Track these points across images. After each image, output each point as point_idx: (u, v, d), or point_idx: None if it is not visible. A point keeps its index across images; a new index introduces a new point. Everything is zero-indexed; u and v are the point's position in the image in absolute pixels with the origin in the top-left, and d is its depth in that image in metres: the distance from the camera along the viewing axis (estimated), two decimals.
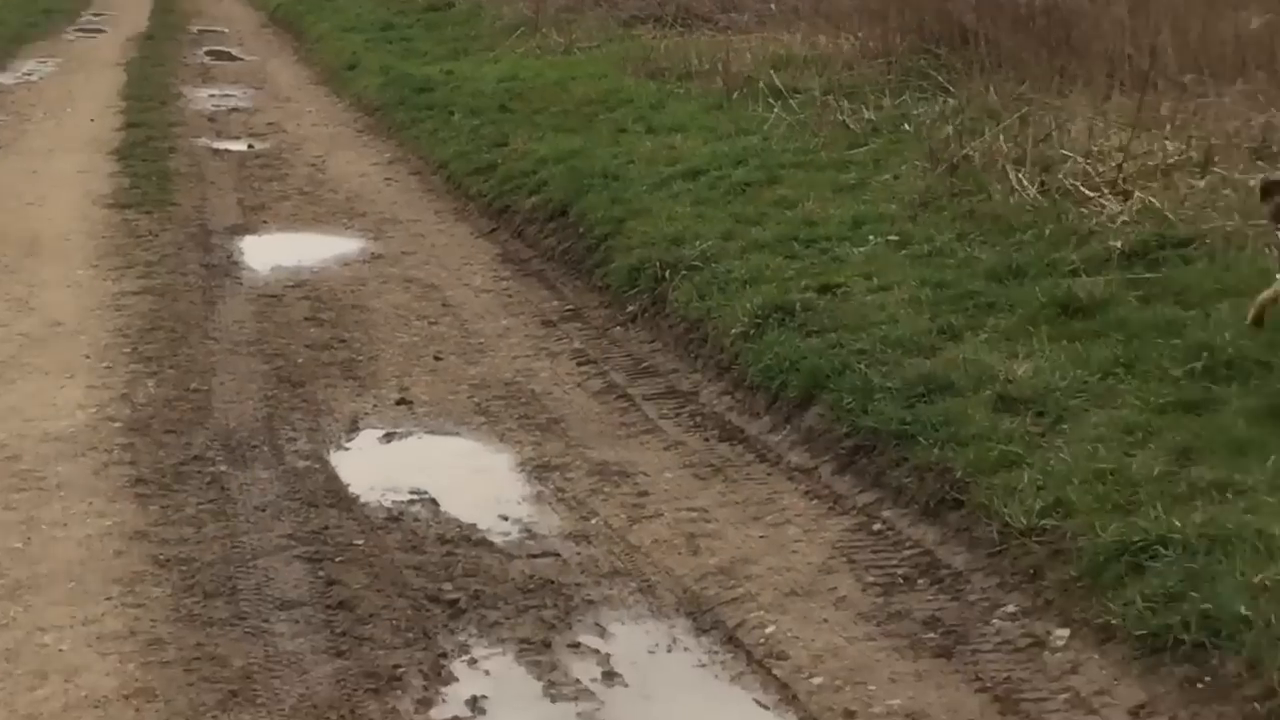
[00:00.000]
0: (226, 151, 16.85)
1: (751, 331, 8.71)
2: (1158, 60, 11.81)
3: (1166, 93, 11.57)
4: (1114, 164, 10.23)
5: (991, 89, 13.31)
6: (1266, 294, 7.40)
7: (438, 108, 17.51)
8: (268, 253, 12.34)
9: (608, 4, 24.47)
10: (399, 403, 8.88)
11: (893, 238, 9.84)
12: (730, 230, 10.42)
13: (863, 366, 7.79)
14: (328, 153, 16.64)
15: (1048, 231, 9.48)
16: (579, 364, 9.50)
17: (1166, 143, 10.72)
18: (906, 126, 12.90)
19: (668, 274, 9.93)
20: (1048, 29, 14.19)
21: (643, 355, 9.52)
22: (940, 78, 14.39)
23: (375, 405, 8.84)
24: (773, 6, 23.11)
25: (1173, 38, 12.30)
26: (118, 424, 8.41)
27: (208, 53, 27.41)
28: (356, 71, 22.04)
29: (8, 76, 23.99)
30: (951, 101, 13.56)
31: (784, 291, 9.04)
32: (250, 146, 17.19)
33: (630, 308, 10.07)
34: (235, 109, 20.03)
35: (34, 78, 23.79)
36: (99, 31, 31.96)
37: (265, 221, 13.46)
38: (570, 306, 10.65)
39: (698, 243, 10.18)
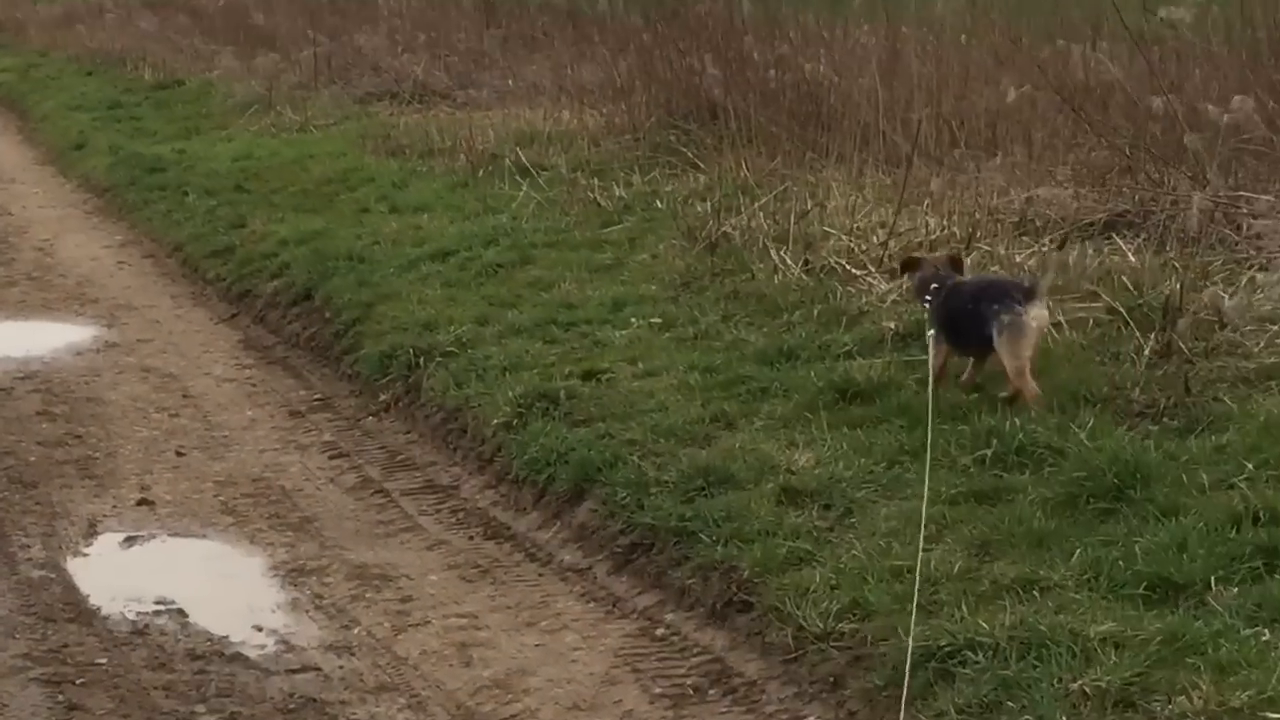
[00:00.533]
0: None
1: (514, 422, 8.33)
2: (912, 134, 11.65)
3: (924, 167, 11.39)
4: (878, 241, 10.00)
5: (744, 164, 13.07)
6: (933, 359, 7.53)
7: (170, 188, 16.90)
8: None
9: (342, 81, 23.96)
10: (140, 503, 8.37)
11: (655, 320, 9.52)
12: (485, 314, 10.03)
13: (635, 458, 7.44)
14: (56, 236, 15.96)
15: (816, 312, 9.23)
16: (330, 457, 9.04)
17: (928, 219, 10.52)
18: (659, 204, 12.63)
19: (421, 361, 9.54)
20: (797, 102, 14.00)
21: (398, 447, 9.09)
22: (689, 153, 14.15)
23: (115, 506, 8.31)
24: (510, 83, 22.83)
25: (926, 111, 12.14)
26: None
27: None
28: (84, 151, 21.30)
29: None
30: (703, 178, 13.31)
31: (546, 379, 8.68)
32: None
33: (382, 397, 9.64)
34: None
35: None
36: None
37: None
38: (319, 396, 10.18)
39: (451, 328, 9.79)
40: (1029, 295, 7.44)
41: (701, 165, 13.75)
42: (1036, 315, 7.45)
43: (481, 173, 14.74)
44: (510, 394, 8.48)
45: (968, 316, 7.57)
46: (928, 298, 7.81)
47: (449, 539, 7.71)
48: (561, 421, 8.16)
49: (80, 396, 10.24)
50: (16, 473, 8.72)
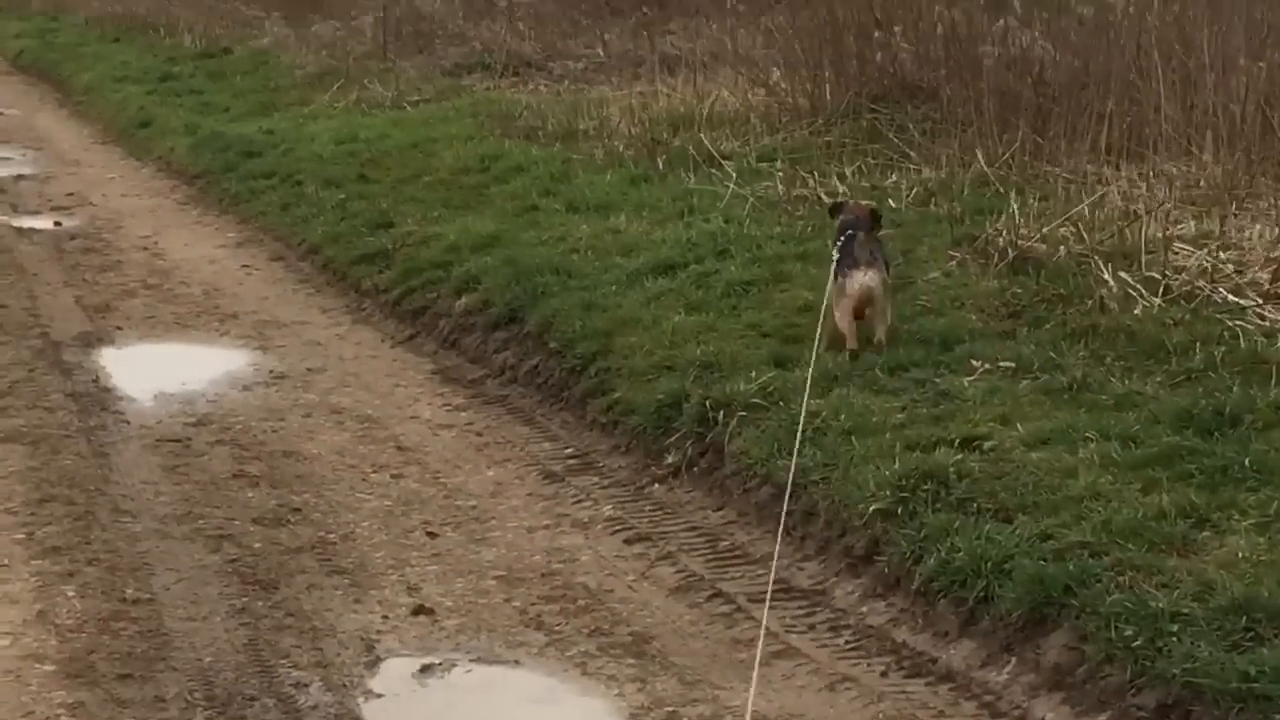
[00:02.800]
0: (33, 231, 14.25)
1: (896, 509, 6.47)
2: (1210, 119, 9.83)
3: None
4: (1260, 258, 8.18)
5: (978, 155, 11.29)
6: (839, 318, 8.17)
7: (277, 176, 15.06)
8: (141, 372, 9.93)
9: (423, 51, 22.07)
10: (416, 611, 6.53)
11: (1006, 364, 7.66)
12: (777, 353, 8.20)
13: (1110, 573, 5.60)
14: (156, 233, 14.12)
15: (1220, 355, 7.42)
16: (626, 540, 7.25)
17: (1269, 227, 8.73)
18: (891, 203, 10.78)
19: (720, 415, 7.64)
20: (1019, 82, 12.16)
21: (711, 528, 7.29)
22: (895, 140, 12.34)
23: (386, 617, 6.51)
24: (601, 52, 21.01)
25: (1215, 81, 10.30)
26: (48, 666, 5.92)
27: None
28: (152, 130, 19.42)
29: None
30: (929, 172, 11.52)
31: (912, 447, 6.86)
32: (58, 224, 14.60)
33: (669, 459, 7.80)
34: (21, 175, 17.36)
35: None
36: None
37: (119, 327, 10.99)
38: (571, 452, 8.40)
39: (749, 372, 7.92)
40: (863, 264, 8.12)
41: (912, 155, 11.96)
42: (862, 280, 8.11)
43: (661, 163, 12.84)
44: (886, 473, 6.63)
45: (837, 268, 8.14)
46: (836, 242, 8.35)
47: (853, 674, 5.90)
48: (958, 510, 6.36)
49: (274, 450, 8.45)
50: (246, 567, 6.91)
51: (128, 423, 8.90)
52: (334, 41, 23.98)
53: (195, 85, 22.47)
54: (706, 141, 12.89)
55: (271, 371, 9.95)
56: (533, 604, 6.66)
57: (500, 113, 16.61)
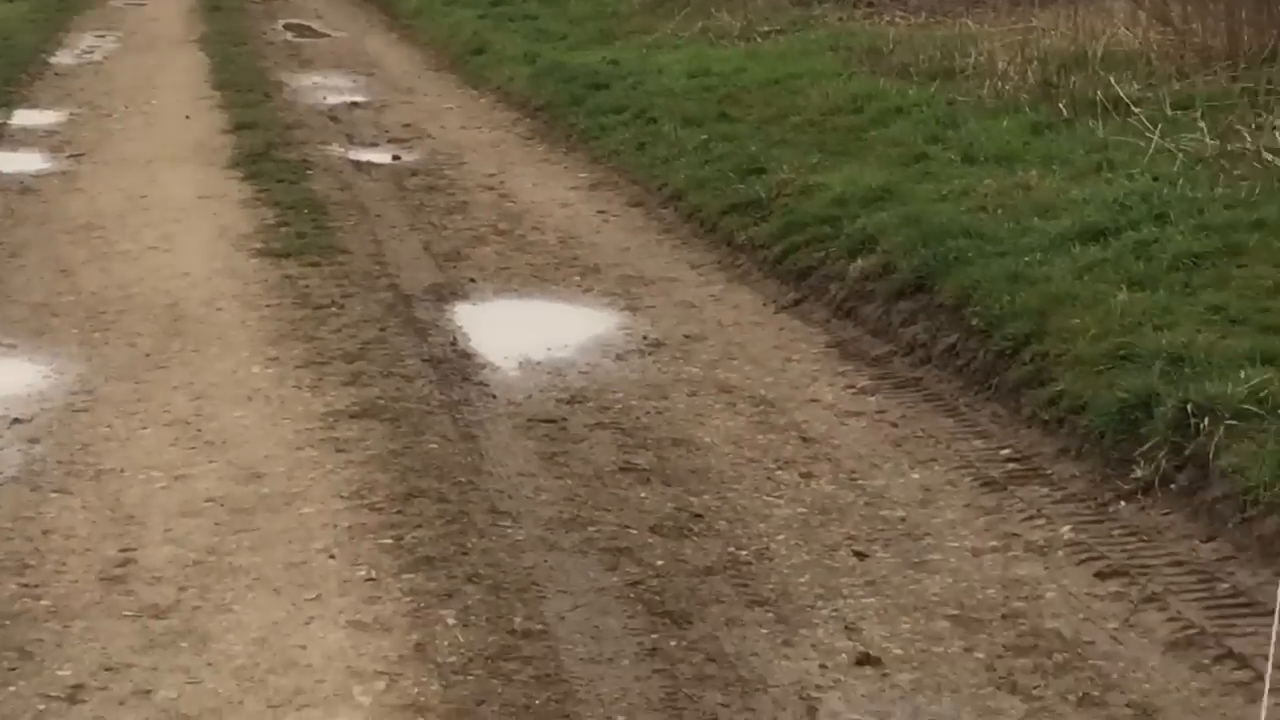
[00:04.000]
0: (371, 166, 13.33)
1: None
2: None
3: None
4: None
5: None
6: None
7: (628, 112, 13.98)
8: (501, 334, 8.89)
9: None
10: (860, 661, 5.35)
11: None
12: (1265, 348, 6.83)
13: None
14: (502, 170, 13.11)
15: None
16: (1098, 574, 5.97)
17: None
18: None
19: (1204, 423, 6.32)
20: None
21: (1205, 566, 6.05)
22: None
23: (824, 666, 5.38)
24: None
25: None
26: None
27: (286, 26, 23.85)
28: (487, 58, 18.48)
29: (67, 55, 20.40)
30: None
31: None
32: (397, 158, 13.67)
33: (1137, 471, 6.52)
34: (355, 104, 16.51)
35: (96, 57, 20.28)
36: None
37: (472, 279, 9.95)
38: (1009, 453, 7.16)
39: (1234, 370, 6.60)
40: None
41: None
42: None
43: (1064, 108, 11.48)
44: None
45: None
46: None
47: None
48: None
49: (661, 437, 7.34)
50: (653, 593, 5.82)
51: (494, 397, 7.87)
52: None
53: (528, 10, 21.56)
54: (1115, 85, 11.43)
55: (645, 337, 8.86)
56: (999, 656, 5.49)
57: (864, 47, 15.39)
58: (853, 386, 8.11)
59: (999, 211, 9.35)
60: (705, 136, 12.37)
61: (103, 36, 22.21)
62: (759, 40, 16.88)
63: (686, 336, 8.92)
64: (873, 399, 7.94)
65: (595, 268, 10.33)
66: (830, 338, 8.85)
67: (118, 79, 18.16)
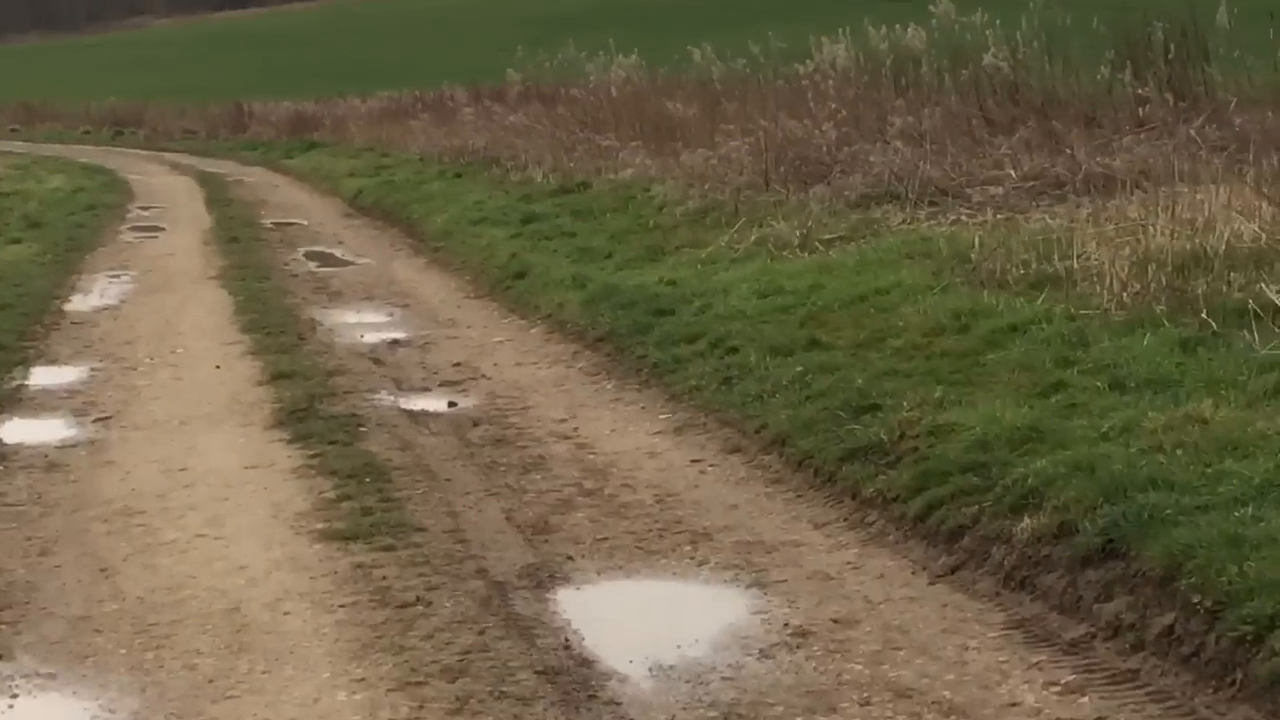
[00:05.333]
0: (426, 415, 12.09)
1: None
2: None
3: None
4: None
5: None
6: None
7: (701, 340, 12.74)
8: (618, 629, 7.68)
9: (816, 180, 19.68)
10: None
11: None
12: None
13: None
14: (572, 415, 11.87)
15: None
16: None
17: None
18: None
19: None
20: None
21: None
22: None
23: None
24: (1012, 173, 18.55)
25: None
26: None
27: (308, 255, 22.76)
28: (530, 282, 17.31)
29: (82, 299, 19.25)
30: None
31: None
32: (453, 405, 12.45)
33: None
34: (396, 341, 15.31)
35: (113, 300, 19.10)
36: (158, 230, 27.48)
37: (569, 556, 8.67)
38: None
39: None
40: None
41: None
42: None
43: (1215, 320, 10.23)
44: None
45: None
46: None
47: None
48: None
49: None
50: None
51: None
52: (706, 172, 21.81)
53: (563, 226, 20.47)
54: (1266, 289, 10.19)
55: (787, 625, 7.57)
56: None
57: (941, 252, 14.17)
58: (1055, 683, 6.78)
59: (1178, 453, 8.07)
60: (800, 368, 11.14)
61: (117, 276, 21.11)
62: (824, 250, 15.67)
63: (835, 621, 7.63)
64: (1085, 700, 6.62)
65: (705, 532, 9.05)
66: (1007, 616, 7.53)
67: (138, 325, 16.98)
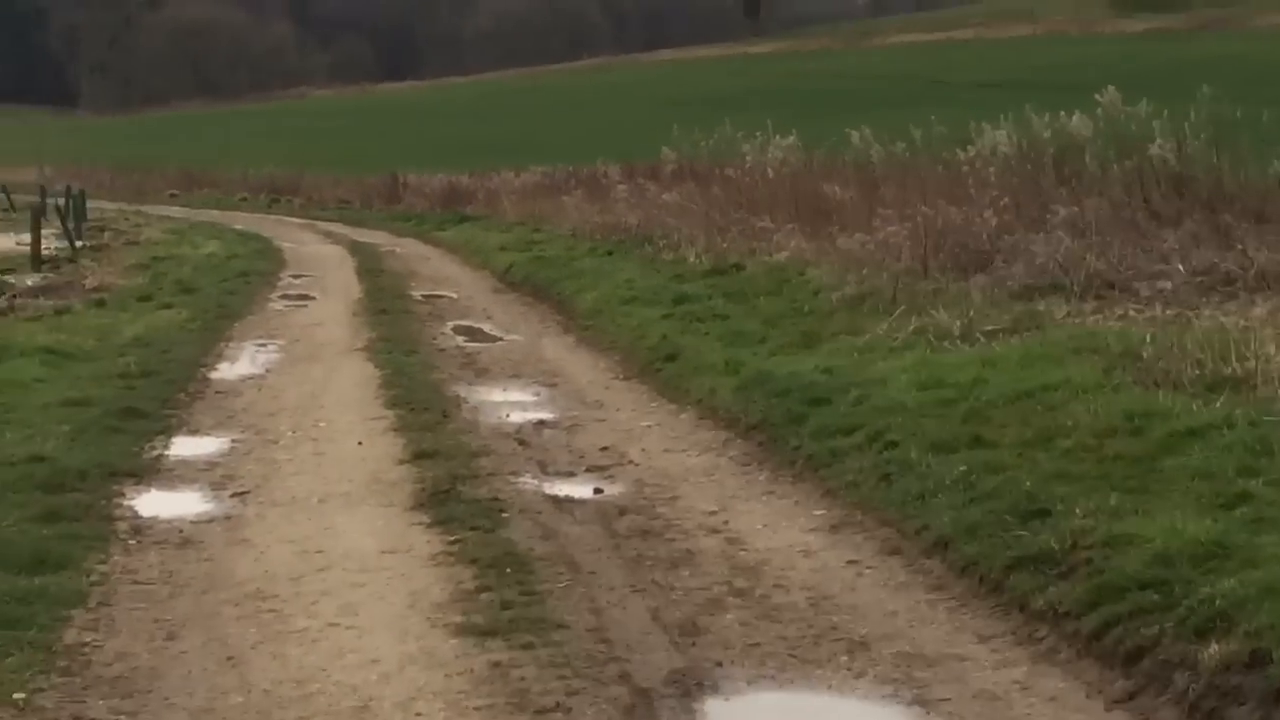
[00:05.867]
0: (571, 502, 11.63)
1: None
2: None
3: None
4: None
5: None
6: None
7: (859, 433, 12.21)
8: None
9: (977, 269, 19.10)
10: None
11: None
12: None
13: None
14: (722, 507, 11.38)
15: None
16: None
17: None
18: None
19: None
20: None
21: None
22: None
23: None
24: (1180, 267, 17.87)
25: None
26: None
27: (455, 329, 22.41)
28: (680, 365, 16.84)
29: (228, 368, 18.98)
30: None
31: None
32: (599, 491, 11.98)
33: None
34: (542, 422, 14.88)
35: (259, 370, 18.80)
36: (308, 299, 27.25)
37: (719, 663, 8.20)
38: None
39: None
40: None
41: None
42: None
43: None
44: None
45: None
46: None
47: None
48: None
49: None
50: None
51: None
52: (862, 257, 21.29)
53: (716, 309, 19.99)
54: None
55: None
56: None
57: (1110, 349, 13.55)
58: None
59: None
60: (964, 468, 10.59)
61: (264, 345, 20.87)
62: (985, 342, 15.08)
63: None
64: None
65: (862, 642, 8.51)
66: None
67: (283, 396, 16.68)
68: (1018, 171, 23.40)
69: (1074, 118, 22.68)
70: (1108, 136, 22.80)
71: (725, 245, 25.44)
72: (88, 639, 8.80)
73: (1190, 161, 21.75)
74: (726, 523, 11.00)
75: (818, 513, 11.13)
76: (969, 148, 23.20)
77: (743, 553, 10.26)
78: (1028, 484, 9.97)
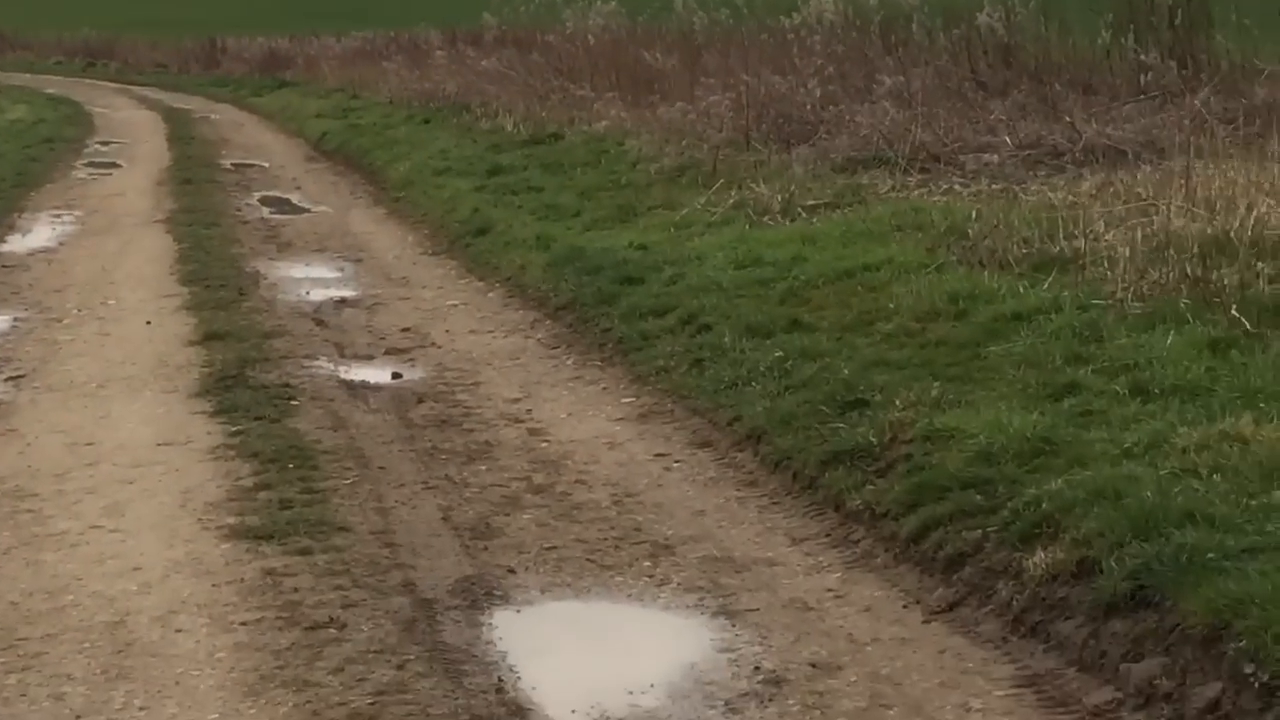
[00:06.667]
0: (367, 389, 10.94)
1: None
2: None
3: None
4: None
5: None
6: None
7: (671, 315, 11.59)
8: (561, 666, 6.61)
9: (801, 141, 18.48)
10: None
11: None
12: None
13: None
14: (526, 394, 10.73)
15: None
16: None
17: None
18: None
19: None
20: None
21: None
22: None
23: None
24: (1008, 140, 17.42)
25: None
26: None
27: (262, 200, 21.54)
28: (491, 240, 16.13)
29: (18, 240, 18.03)
30: None
31: None
32: (398, 376, 11.26)
33: None
34: (343, 300, 14.11)
35: (51, 243, 17.84)
36: (114, 166, 26.24)
37: (511, 569, 7.56)
38: None
39: None
40: None
41: None
42: None
43: (1244, 317, 9.09)
44: None
45: None
46: None
47: None
48: None
49: None
50: None
51: None
52: (684, 127, 20.60)
53: (531, 180, 19.23)
54: None
55: (758, 668, 6.46)
56: None
57: (935, 225, 12.98)
58: None
59: (1216, 479, 6.95)
60: (780, 354, 10.02)
61: (59, 216, 19.87)
62: (807, 217, 14.48)
63: (814, 666, 6.51)
64: None
65: (666, 545, 7.92)
66: (1016, 669, 6.41)
67: (73, 271, 15.79)
68: (844, 40, 22.78)
69: None
70: (935, 5, 22.25)
71: (544, 114, 24.67)
72: None
73: (1018, 30, 21.27)
74: (529, 411, 10.36)
75: (626, 400, 10.51)
76: (794, 15, 22.52)
77: (544, 444, 9.62)
78: (845, 372, 9.41)
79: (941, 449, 8.04)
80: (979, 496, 7.46)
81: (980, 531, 7.26)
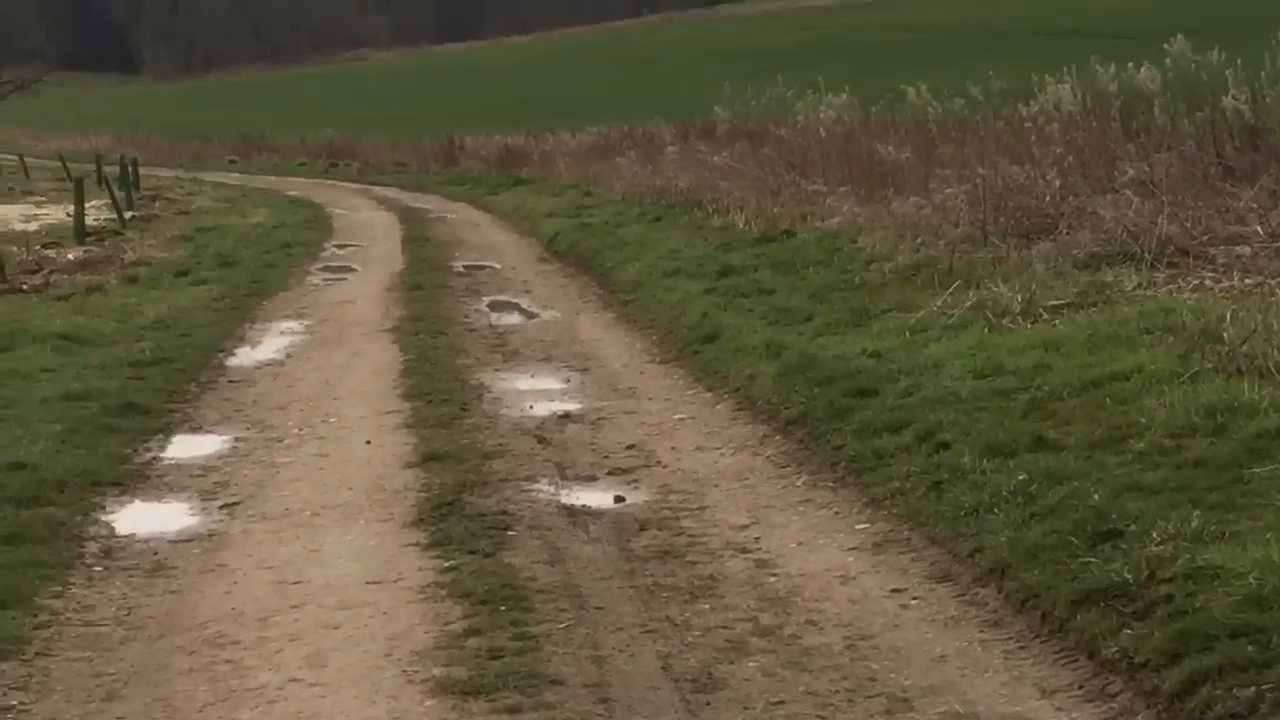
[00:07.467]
0: (587, 514, 10.43)
1: None
2: None
3: None
4: None
5: None
6: None
7: (907, 431, 10.95)
8: None
9: (1040, 236, 17.72)
10: None
11: None
12: None
13: None
14: (755, 519, 10.15)
15: None
16: None
17: None
18: None
19: None
20: None
21: None
22: None
23: None
24: (1259, 230, 16.49)
25: None
26: None
27: (491, 305, 21.22)
28: (720, 347, 15.59)
29: (247, 353, 17.83)
30: None
31: None
32: (620, 500, 10.70)
33: None
34: (568, 415, 13.63)
35: (279, 355, 17.61)
36: (348, 270, 26.17)
37: None
38: None
39: None
40: None
41: None
42: None
43: None
44: None
45: None
46: None
47: None
48: None
49: None
50: None
51: None
52: (918, 222, 19.95)
53: (762, 281, 18.71)
54: None
55: None
56: None
57: (1186, 328, 12.17)
58: None
59: None
60: (1024, 476, 9.30)
61: (289, 326, 19.66)
62: (1049, 319, 13.74)
63: None
64: None
65: (904, 698, 7.26)
66: None
67: (297, 386, 15.52)
68: (1083, 127, 21.98)
69: (1141, 69, 21.22)
70: (1177, 88, 21.37)
71: (776, 210, 24.14)
72: (14, 701, 7.62)
73: (1266, 112, 20.36)
74: (757, 540, 9.77)
75: (859, 527, 9.86)
76: (1030, 103, 21.77)
77: (771, 579, 9.02)
78: (1096, 498, 8.68)
79: (1206, 590, 7.31)
80: (1250, 647, 6.72)
81: (1254, 689, 6.52)
